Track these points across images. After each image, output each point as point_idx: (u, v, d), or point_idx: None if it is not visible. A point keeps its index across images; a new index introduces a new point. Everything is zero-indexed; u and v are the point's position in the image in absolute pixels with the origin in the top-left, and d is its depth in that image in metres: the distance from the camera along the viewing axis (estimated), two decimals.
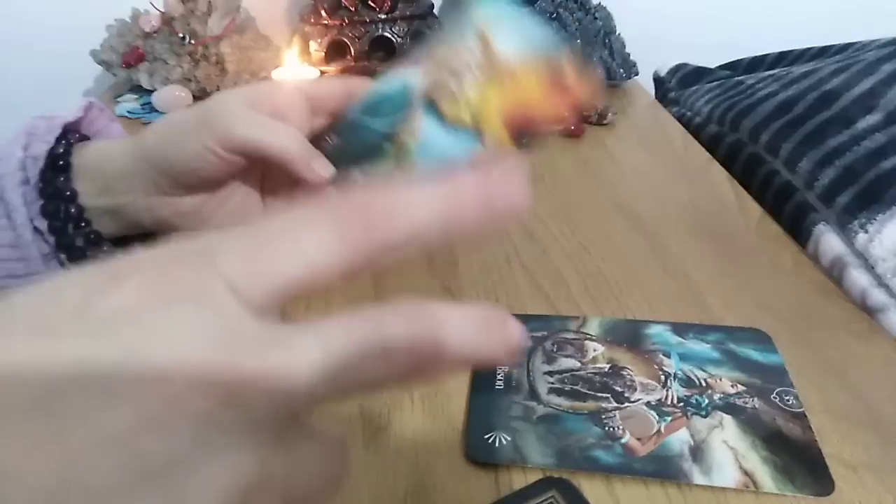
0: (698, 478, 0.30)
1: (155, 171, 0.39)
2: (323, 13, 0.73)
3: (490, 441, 0.32)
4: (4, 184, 0.38)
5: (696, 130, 0.70)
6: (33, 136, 0.39)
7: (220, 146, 0.37)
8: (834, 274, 0.46)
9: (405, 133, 0.36)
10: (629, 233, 0.50)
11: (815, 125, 0.55)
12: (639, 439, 0.32)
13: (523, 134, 0.36)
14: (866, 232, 0.45)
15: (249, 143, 0.37)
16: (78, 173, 0.40)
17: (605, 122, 0.70)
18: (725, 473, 0.30)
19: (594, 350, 0.38)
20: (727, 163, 0.62)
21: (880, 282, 0.43)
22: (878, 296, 0.42)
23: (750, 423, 0.33)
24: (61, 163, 0.39)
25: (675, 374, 0.36)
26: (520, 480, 0.30)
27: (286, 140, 0.37)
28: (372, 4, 0.72)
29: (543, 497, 0.29)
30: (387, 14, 0.73)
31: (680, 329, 0.40)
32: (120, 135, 0.46)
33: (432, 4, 0.78)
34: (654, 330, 0.39)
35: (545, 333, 0.39)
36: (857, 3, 0.95)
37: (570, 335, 0.39)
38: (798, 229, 0.51)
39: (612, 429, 0.33)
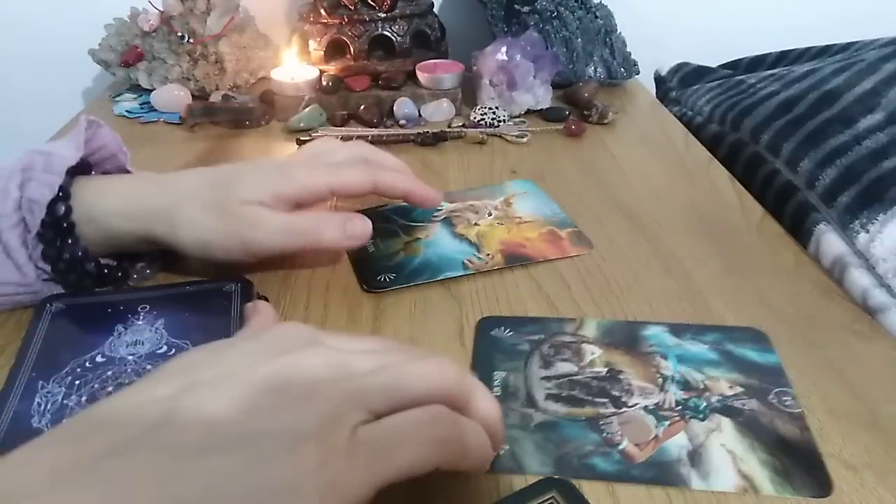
0: (696, 483, 0.30)
1: (171, 247, 0.41)
2: (322, 12, 0.72)
3: None
4: (1, 224, 0.37)
5: (696, 130, 0.70)
6: (30, 171, 0.38)
7: (248, 256, 0.41)
8: (835, 274, 0.46)
9: (420, 232, 0.49)
10: (630, 232, 0.50)
11: (817, 125, 0.54)
12: (637, 445, 0.32)
13: (514, 257, 0.46)
14: (867, 232, 0.45)
15: (281, 250, 0.41)
16: (81, 227, 0.40)
17: (605, 121, 0.70)
18: (724, 478, 0.30)
19: (591, 353, 0.37)
20: (728, 162, 0.62)
21: (881, 282, 0.43)
22: (878, 296, 0.42)
23: (748, 425, 0.33)
24: (65, 224, 0.39)
25: (672, 376, 0.36)
26: (520, 482, 0.30)
27: (321, 239, 0.41)
28: (371, 3, 0.72)
29: (543, 497, 0.28)
30: (386, 13, 0.72)
31: (677, 330, 0.39)
32: (116, 143, 0.44)
33: (432, 3, 0.77)
34: (652, 331, 0.39)
35: (542, 337, 0.39)
36: (858, 2, 0.95)
37: (567, 338, 0.39)
38: (799, 229, 0.51)
39: (609, 435, 0.32)
